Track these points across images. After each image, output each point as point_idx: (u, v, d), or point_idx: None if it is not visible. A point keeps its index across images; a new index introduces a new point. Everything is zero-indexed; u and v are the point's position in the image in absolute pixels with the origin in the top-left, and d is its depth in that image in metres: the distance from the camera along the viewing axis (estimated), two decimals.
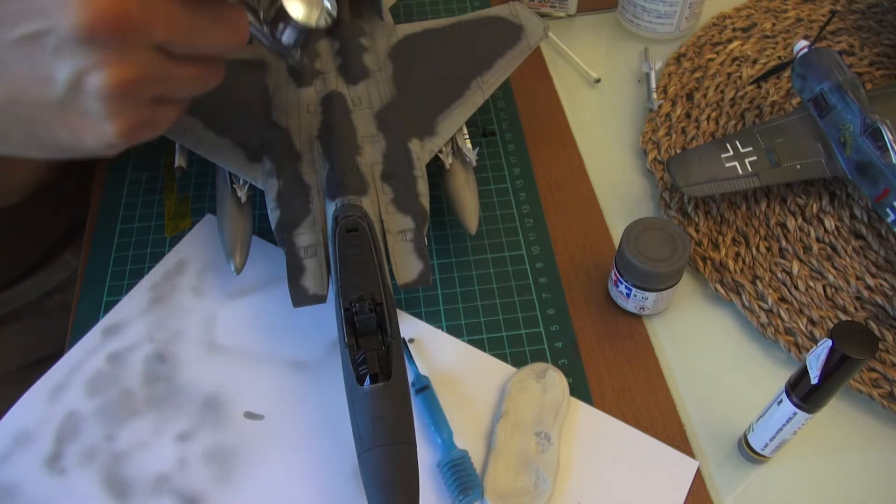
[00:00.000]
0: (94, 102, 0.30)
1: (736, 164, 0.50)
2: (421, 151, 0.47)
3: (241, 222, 0.46)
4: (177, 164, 0.48)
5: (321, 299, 0.41)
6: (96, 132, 0.32)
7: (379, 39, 0.52)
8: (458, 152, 0.50)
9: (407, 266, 0.43)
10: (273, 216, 0.44)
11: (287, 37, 0.36)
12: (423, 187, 0.45)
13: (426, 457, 0.42)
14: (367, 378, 0.37)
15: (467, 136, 0.51)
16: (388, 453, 0.35)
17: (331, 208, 0.42)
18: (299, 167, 0.45)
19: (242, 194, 0.47)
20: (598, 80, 0.63)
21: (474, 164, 0.50)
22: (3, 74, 0.30)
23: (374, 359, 0.37)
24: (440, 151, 0.49)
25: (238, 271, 0.45)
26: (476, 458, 0.42)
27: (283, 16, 0.35)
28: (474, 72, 0.51)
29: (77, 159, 0.35)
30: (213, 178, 0.52)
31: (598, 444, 0.43)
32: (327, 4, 0.36)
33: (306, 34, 0.36)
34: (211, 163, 0.49)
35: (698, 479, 0.42)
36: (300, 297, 0.42)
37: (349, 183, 0.43)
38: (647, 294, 0.46)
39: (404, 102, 0.49)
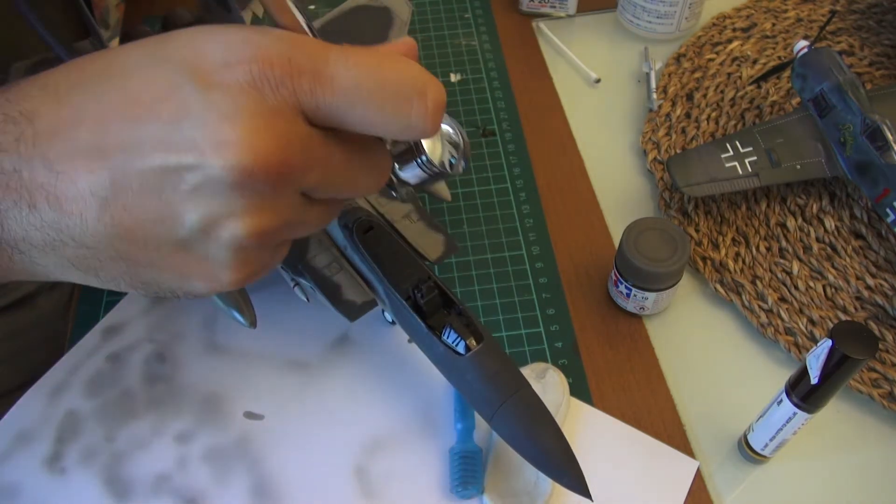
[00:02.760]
0: (222, 250, 0.27)
1: (736, 164, 0.50)
2: None
3: None
4: None
5: (372, 304, 0.41)
6: (210, 278, 0.28)
7: None
8: None
9: (430, 242, 0.43)
10: None
11: (410, 175, 0.32)
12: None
13: (442, 441, 0.43)
14: (463, 347, 0.37)
15: None
16: (517, 402, 0.36)
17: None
18: None
19: None
20: (598, 81, 0.63)
21: None
22: (119, 205, 0.25)
23: (460, 327, 0.38)
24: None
25: (254, 325, 0.43)
26: None
27: (411, 155, 0.32)
28: None
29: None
30: None
31: (598, 444, 0.43)
32: (451, 152, 0.32)
33: (434, 175, 0.32)
34: None
35: (698, 479, 0.42)
36: (352, 310, 0.41)
37: None
38: (647, 294, 0.46)
39: None
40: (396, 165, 0.32)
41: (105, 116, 0.25)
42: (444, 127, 0.32)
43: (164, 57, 0.25)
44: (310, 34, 0.29)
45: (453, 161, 0.32)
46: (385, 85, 0.26)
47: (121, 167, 0.25)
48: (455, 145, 0.32)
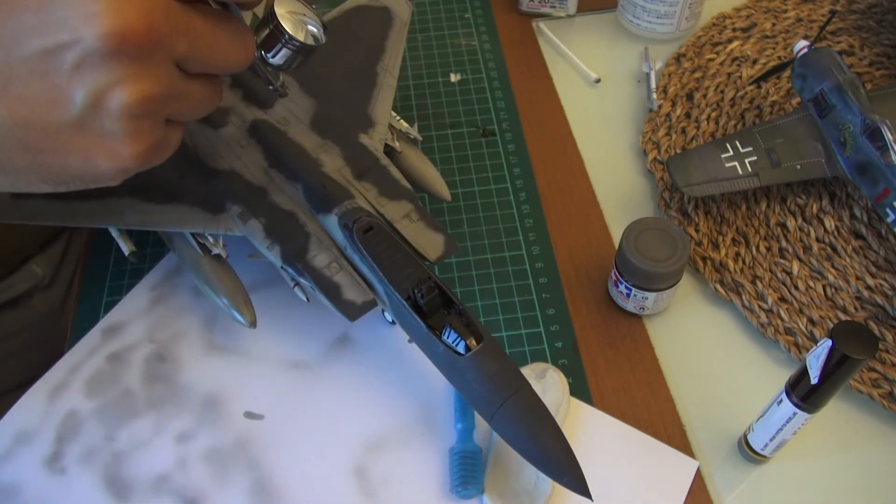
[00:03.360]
0: (115, 121, 0.28)
1: (736, 164, 0.50)
2: (373, 142, 0.47)
3: (231, 276, 0.45)
4: (126, 252, 0.46)
5: (372, 304, 0.41)
6: (111, 155, 0.30)
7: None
8: (400, 135, 0.51)
9: (430, 242, 0.43)
10: (272, 253, 0.43)
11: (279, 58, 0.36)
12: (396, 172, 0.46)
13: (442, 441, 0.43)
14: (463, 347, 0.37)
15: (400, 118, 0.52)
16: (517, 402, 0.36)
17: (331, 221, 0.42)
18: (270, 199, 0.44)
19: (221, 250, 0.45)
20: (598, 80, 0.63)
21: (420, 138, 0.52)
22: (11, 96, 0.27)
23: (460, 327, 0.38)
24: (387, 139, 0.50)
25: (254, 325, 0.44)
26: None
27: (275, 36, 0.35)
28: (373, 59, 0.53)
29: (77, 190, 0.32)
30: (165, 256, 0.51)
31: (598, 444, 0.43)
32: (312, 28, 0.36)
33: (296, 55, 0.36)
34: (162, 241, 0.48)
35: (698, 479, 0.42)
36: (352, 310, 0.41)
37: (332, 192, 0.43)
38: (647, 294, 0.46)
39: (329, 106, 0.49)
40: (267, 54, 0.36)
41: None
42: (297, 4, 0.36)
43: None
44: None
45: (315, 32, 0.36)
46: None
47: (4, 59, 0.27)
48: (308, 21, 0.36)
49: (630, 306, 0.48)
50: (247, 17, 0.53)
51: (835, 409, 0.44)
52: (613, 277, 0.47)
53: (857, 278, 0.48)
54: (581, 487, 0.35)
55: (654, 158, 0.56)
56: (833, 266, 0.49)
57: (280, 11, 0.35)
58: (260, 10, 0.37)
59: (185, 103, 0.31)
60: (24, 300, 0.57)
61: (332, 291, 0.41)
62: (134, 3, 0.27)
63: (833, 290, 0.48)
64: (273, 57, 0.36)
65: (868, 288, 0.48)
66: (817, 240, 0.51)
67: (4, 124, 0.28)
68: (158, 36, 0.28)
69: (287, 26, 0.35)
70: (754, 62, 0.62)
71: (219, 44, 0.31)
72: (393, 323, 0.45)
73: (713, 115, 0.59)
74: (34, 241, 0.58)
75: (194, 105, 0.32)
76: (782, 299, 0.48)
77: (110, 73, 0.27)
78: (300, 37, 0.35)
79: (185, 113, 0.32)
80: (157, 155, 0.32)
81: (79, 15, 0.26)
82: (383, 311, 0.45)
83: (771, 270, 0.49)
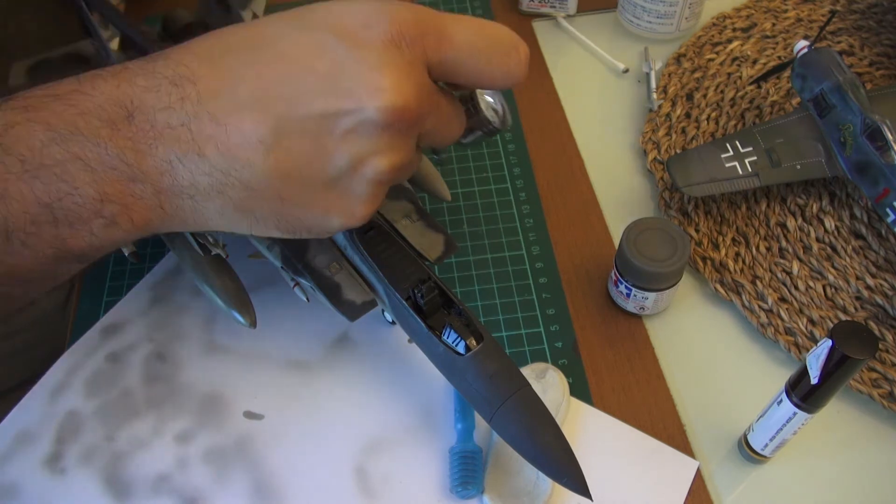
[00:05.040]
0: (364, 185, 0.31)
1: (736, 164, 0.50)
2: None
3: (231, 276, 0.45)
4: (126, 252, 0.45)
5: (372, 304, 0.41)
6: (347, 213, 0.32)
7: None
8: None
9: (430, 242, 0.43)
10: (272, 253, 0.43)
11: (469, 139, 0.40)
12: None
13: (442, 441, 0.43)
14: (463, 347, 0.37)
15: None
16: (516, 402, 0.36)
17: None
18: None
19: (221, 250, 0.44)
20: (626, 71, 0.63)
21: None
22: (281, 149, 0.29)
23: (460, 327, 0.38)
24: None
25: (254, 325, 0.44)
26: None
27: (473, 119, 0.38)
28: None
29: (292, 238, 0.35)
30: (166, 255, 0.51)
31: (598, 444, 0.43)
32: (498, 107, 0.39)
33: (487, 136, 0.39)
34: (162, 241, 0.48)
35: (698, 479, 0.42)
36: (352, 310, 0.41)
37: None
38: (647, 294, 0.46)
39: None
40: (462, 138, 0.38)
41: (263, 75, 0.29)
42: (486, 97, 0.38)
43: (308, 23, 0.30)
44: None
45: (505, 117, 0.39)
46: (491, 41, 0.32)
47: (285, 115, 0.29)
48: (495, 109, 0.39)
49: (630, 306, 0.48)
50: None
51: (835, 409, 0.44)
52: (613, 277, 0.47)
53: (857, 278, 0.48)
54: (581, 487, 0.35)
55: (654, 158, 0.56)
56: (833, 266, 0.49)
57: (480, 93, 0.38)
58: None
59: (408, 171, 0.34)
60: None
61: (332, 291, 0.41)
62: (412, 82, 0.29)
63: (833, 290, 0.48)
64: (464, 138, 0.39)
65: (868, 288, 0.48)
66: (817, 240, 0.51)
67: (269, 174, 0.30)
68: (422, 114, 0.31)
69: (489, 114, 0.38)
70: (754, 62, 0.62)
71: (451, 122, 0.34)
72: (393, 323, 0.45)
73: (713, 115, 0.59)
74: None
75: (407, 173, 0.35)
76: (782, 299, 0.48)
77: (377, 143, 0.30)
78: (497, 122, 0.39)
79: (403, 178, 0.36)
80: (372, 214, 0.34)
81: (366, 87, 0.29)
82: (383, 311, 0.45)
83: (771, 270, 0.49)
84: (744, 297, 0.48)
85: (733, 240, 0.51)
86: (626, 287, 0.46)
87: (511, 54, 0.32)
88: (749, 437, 0.41)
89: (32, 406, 0.45)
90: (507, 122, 0.39)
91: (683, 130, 0.58)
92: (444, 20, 0.31)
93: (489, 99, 0.38)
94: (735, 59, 0.63)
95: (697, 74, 0.62)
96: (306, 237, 0.34)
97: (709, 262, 0.50)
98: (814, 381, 0.34)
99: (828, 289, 0.48)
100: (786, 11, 0.67)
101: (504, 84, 0.33)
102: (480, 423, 0.42)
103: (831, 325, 0.40)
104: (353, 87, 0.29)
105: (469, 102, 0.38)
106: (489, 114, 0.38)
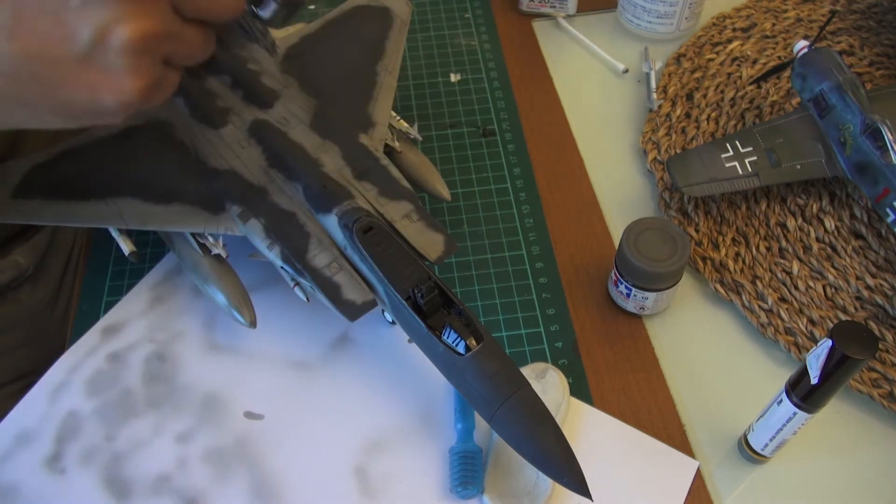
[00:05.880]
0: (117, 56, 0.31)
1: (736, 164, 0.50)
2: (372, 142, 0.48)
3: (231, 276, 0.45)
4: (126, 252, 0.46)
5: (372, 304, 0.41)
6: (115, 89, 0.32)
7: (264, 60, 0.51)
8: (400, 135, 0.51)
9: (430, 242, 0.43)
10: (272, 253, 0.43)
11: (267, 11, 0.38)
12: (396, 172, 0.46)
13: (442, 441, 0.43)
14: (463, 347, 0.37)
15: (400, 118, 0.52)
16: (516, 402, 0.36)
17: (331, 221, 0.42)
18: (270, 199, 0.44)
19: (221, 250, 0.45)
20: (625, 71, 0.63)
21: (420, 138, 0.52)
22: (24, 31, 0.30)
23: (460, 327, 0.38)
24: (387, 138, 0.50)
25: (254, 325, 0.44)
26: None
27: None
28: (373, 59, 0.53)
29: (85, 127, 0.35)
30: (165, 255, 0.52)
31: (598, 444, 0.43)
32: None
33: (282, 8, 0.37)
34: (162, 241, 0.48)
35: (698, 479, 0.42)
36: (352, 310, 0.41)
37: (333, 192, 0.43)
38: (647, 294, 0.46)
39: (329, 106, 0.49)
40: (256, 8, 0.37)
41: None
42: None
43: None
44: None
45: None
46: None
47: None
48: None
49: (630, 306, 0.48)
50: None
51: (835, 409, 0.44)
52: (613, 277, 0.47)
53: (857, 278, 0.48)
54: (581, 487, 0.35)
55: (654, 158, 0.56)
56: (833, 266, 0.49)
57: None
58: None
59: (181, 45, 0.34)
60: (11, 293, 0.57)
61: (332, 291, 0.41)
62: None
63: (833, 290, 0.48)
64: (262, 10, 0.38)
65: (868, 288, 0.48)
66: (817, 240, 0.51)
67: (18, 57, 0.30)
68: None
69: None
70: (754, 62, 0.62)
71: None
72: (393, 323, 0.45)
73: (713, 115, 0.59)
74: (13, 226, 0.58)
75: (189, 49, 0.34)
76: (782, 299, 0.48)
77: (113, 11, 0.30)
78: None
79: (180, 55, 0.34)
80: (156, 93, 0.34)
81: None
82: (383, 311, 0.45)
83: (771, 270, 0.49)
84: (744, 297, 0.48)
85: (733, 240, 0.51)
86: (626, 287, 0.46)
87: None
88: (749, 437, 0.41)
89: (32, 406, 0.45)
90: None
91: (683, 130, 0.58)
92: None
93: None
94: (735, 59, 0.63)
95: (697, 74, 0.62)
96: (92, 122, 0.34)
97: (709, 262, 0.50)
98: (814, 381, 0.34)
99: (828, 289, 0.48)
100: (786, 11, 0.67)
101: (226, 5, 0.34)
102: (480, 423, 0.42)
103: (831, 325, 0.40)
104: None
105: None
106: None
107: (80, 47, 0.31)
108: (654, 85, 0.61)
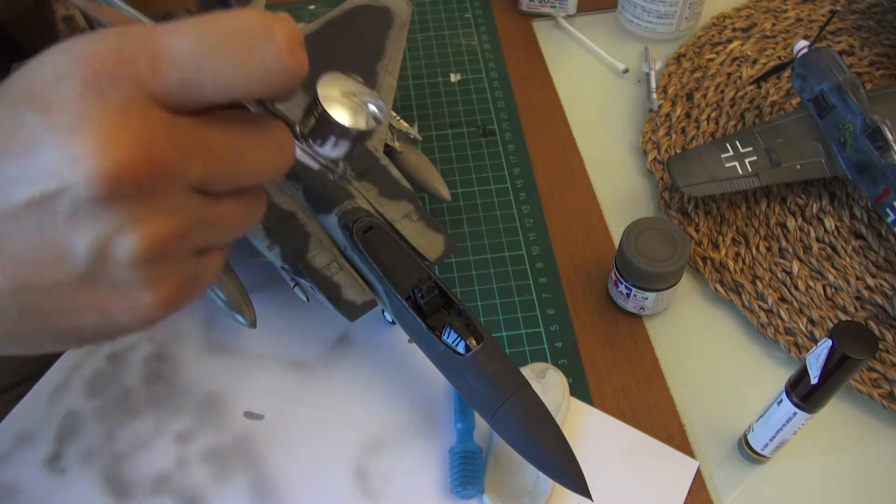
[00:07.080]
0: (126, 271, 0.24)
1: (736, 164, 0.50)
2: (372, 142, 0.48)
3: (231, 276, 0.45)
4: None
5: (372, 304, 0.41)
6: (130, 307, 0.26)
7: None
8: (400, 135, 0.51)
9: (430, 242, 0.43)
10: (272, 253, 0.43)
11: (332, 150, 0.29)
12: (396, 172, 0.46)
13: (442, 441, 0.43)
14: (463, 347, 0.37)
15: (400, 118, 0.52)
16: (517, 402, 0.36)
17: (331, 221, 0.42)
18: (271, 199, 0.44)
19: None
20: (625, 71, 0.63)
21: (420, 138, 0.53)
22: (5, 258, 0.24)
23: (460, 327, 0.38)
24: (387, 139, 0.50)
25: (254, 325, 0.44)
26: None
27: (324, 127, 0.29)
28: (373, 59, 0.53)
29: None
30: None
31: (598, 444, 0.43)
32: (373, 108, 0.29)
33: (355, 141, 0.29)
34: None
35: (698, 478, 0.42)
36: (352, 310, 0.41)
37: (333, 192, 0.43)
38: (647, 294, 0.46)
39: None
40: (317, 145, 0.29)
41: None
42: (345, 80, 0.30)
43: (4, 96, 0.24)
44: (144, 22, 0.28)
45: (373, 110, 0.29)
46: (224, 37, 0.24)
47: None
48: (366, 98, 0.29)
49: (630, 306, 0.48)
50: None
51: (835, 409, 0.44)
52: (613, 277, 0.47)
53: (857, 278, 0.48)
54: (581, 487, 0.35)
55: (654, 158, 0.56)
56: (833, 266, 0.49)
57: (324, 94, 0.28)
58: None
59: (217, 229, 0.27)
60: None
61: (332, 291, 0.41)
62: (125, 134, 0.23)
63: (833, 290, 0.48)
64: (324, 149, 0.29)
65: (868, 288, 0.48)
66: (817, 240, 0.51)
67: (3, 290, 0.24)
68: (162, 166, 0.23)
69: (335, 115, 0.28)
70: (754, 62, 0.62)
71: (245, 155, 0.26)
72: (393, 323, 0.45)
73: (713, 115, 0.59)
74: None
75: (230, 227, 0.28)
76: (782, 299, 0.48)
77: (110, 220, 0.23)
78: (353, 123, 0.28)
79: (219, 239, 0.28)
80: (190, 293, 0.27)
81: (64, 159, 0.22)
82: (383, 311, 0.45)
83: (771, 270, 0.49)
84: (744, 297, 0.48)
85: (733, 240, 0.51)
86: (626, 287, 0.46)
87: (259, 44, 0.24)
88: (749, 437, 0.41)
89: (32, 406, 0.45)
90: (377, 115, 0.29)
91: (683, 130, 0.58)
92: (156, 34, 0.23)
93: (332, 92, 0.29)
94: (735, 59, 0.63)
95: (697, 74, 0.61)
96: (105, 342, 0.30)
97: (709, 262, 0.50)
98: (814, 381, 0.34)
99: (828, 289, 0.48)
100: (786, 11, 0.67)
101: (268, 86, 0.25)
102: (480, 423, 0.42)
103: (831, 325, 0.40)
104: (52, 163, 0.22)
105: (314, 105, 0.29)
106: (338, 112, 0.28)
107: (77, 267, 0.24)
108: (654, 85, 0.61)
